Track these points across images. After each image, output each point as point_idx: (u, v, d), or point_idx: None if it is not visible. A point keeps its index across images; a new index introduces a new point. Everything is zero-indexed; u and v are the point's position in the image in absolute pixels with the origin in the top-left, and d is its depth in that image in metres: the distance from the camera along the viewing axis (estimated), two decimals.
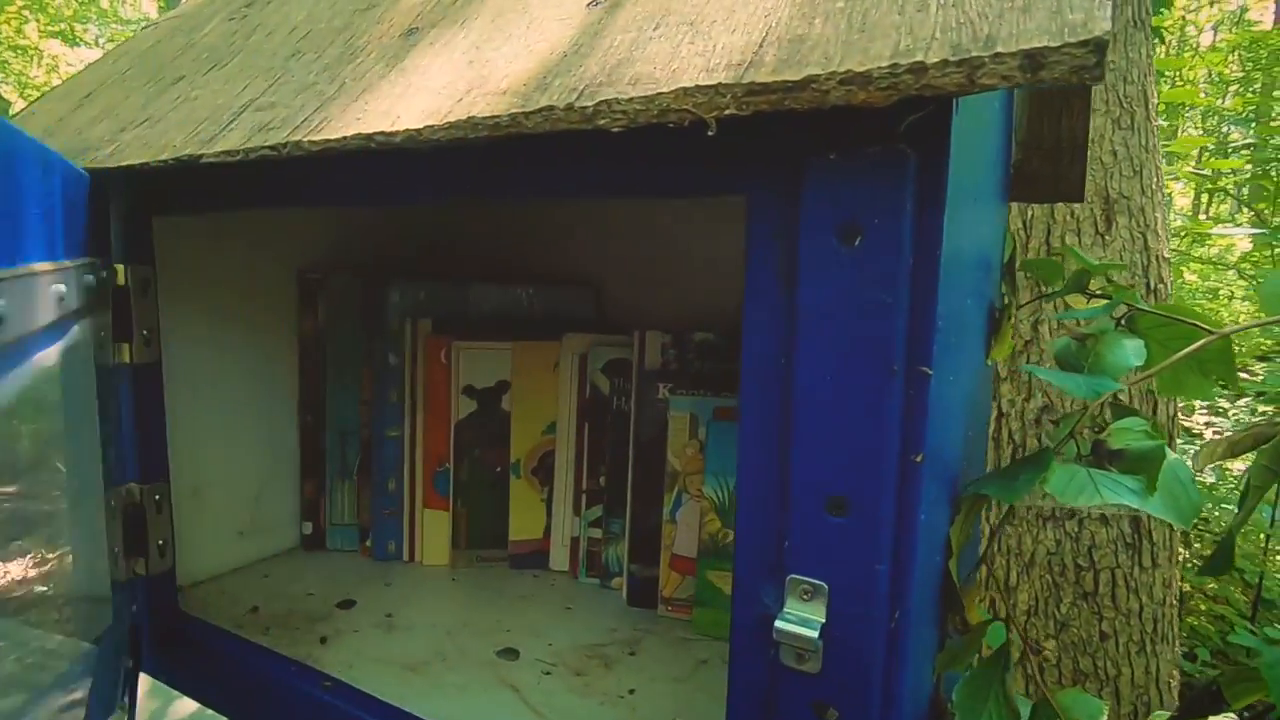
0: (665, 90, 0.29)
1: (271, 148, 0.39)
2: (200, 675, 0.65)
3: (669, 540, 0.75)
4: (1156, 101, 1.29)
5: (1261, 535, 2.18)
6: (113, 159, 0.48)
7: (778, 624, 0.32)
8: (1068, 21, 0.23)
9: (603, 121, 0.31)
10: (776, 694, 0.34)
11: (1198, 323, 0.48)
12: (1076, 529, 1.17)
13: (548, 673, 0.64)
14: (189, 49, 0.61)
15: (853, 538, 0.31)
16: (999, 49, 0.24)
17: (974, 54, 0.24)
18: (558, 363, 0.85)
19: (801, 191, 0.31)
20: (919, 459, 0.31)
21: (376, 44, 0.45)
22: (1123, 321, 0.53)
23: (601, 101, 0.30)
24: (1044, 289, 0.60)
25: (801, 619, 0.32)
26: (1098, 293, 0.58)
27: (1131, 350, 0.49)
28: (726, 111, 0.28)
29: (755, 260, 0.34)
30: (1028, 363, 1.21)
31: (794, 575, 0.33)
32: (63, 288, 0.51)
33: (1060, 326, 1.21)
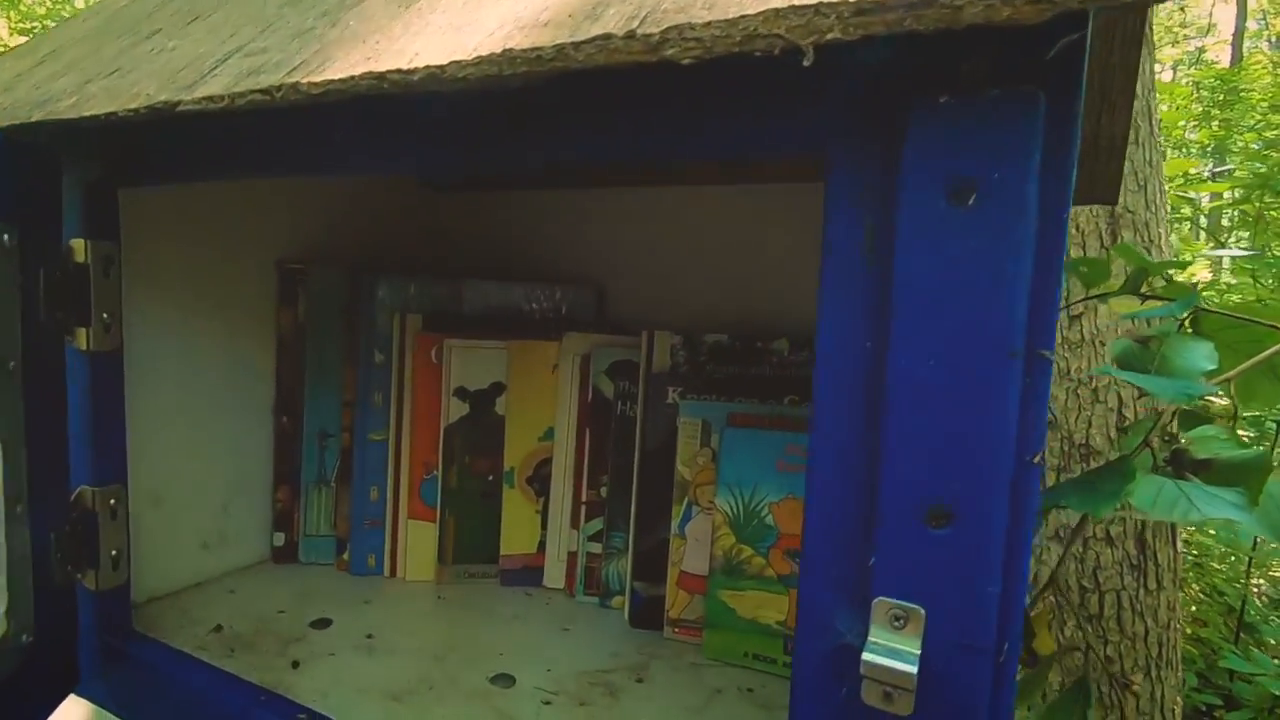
0: (751, 12, 0.24)
1: (263, 91, 0.34)
2: (154, 703, 0.58)
3: (677, 556, 0.70)
4: (1159, 119, 1.28)
5: (1243, 558, 2.18)
6: (73, 110, 0.42)
7: (866, 656, 0.27)
8: None
9: (671, 51, 0.26)
10: None
11: (1277, 324, 0.44)
12: (1081, 550, 1.14)
13: (548, 702, 0.58)
14: (168, 3, 0.55)
15: (958, 553, 0.26)
16: None
17: None
18: (557, 364, 0.79)
19: (904, 143, 0.26)
20: (1037, 459, 0.26)
21: None
22: (1185, 324, 0.50)
23: (671, 28, 0.25)
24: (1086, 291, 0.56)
25: (892, 650, 0.27)
26: (1149, 294, 0.54)
27: (1203, 353, 0.45)
28: (829, 36, 0.23)
29: (835, 229, 0.29)
30: None
31: (882, 598, 0.28)
32: None
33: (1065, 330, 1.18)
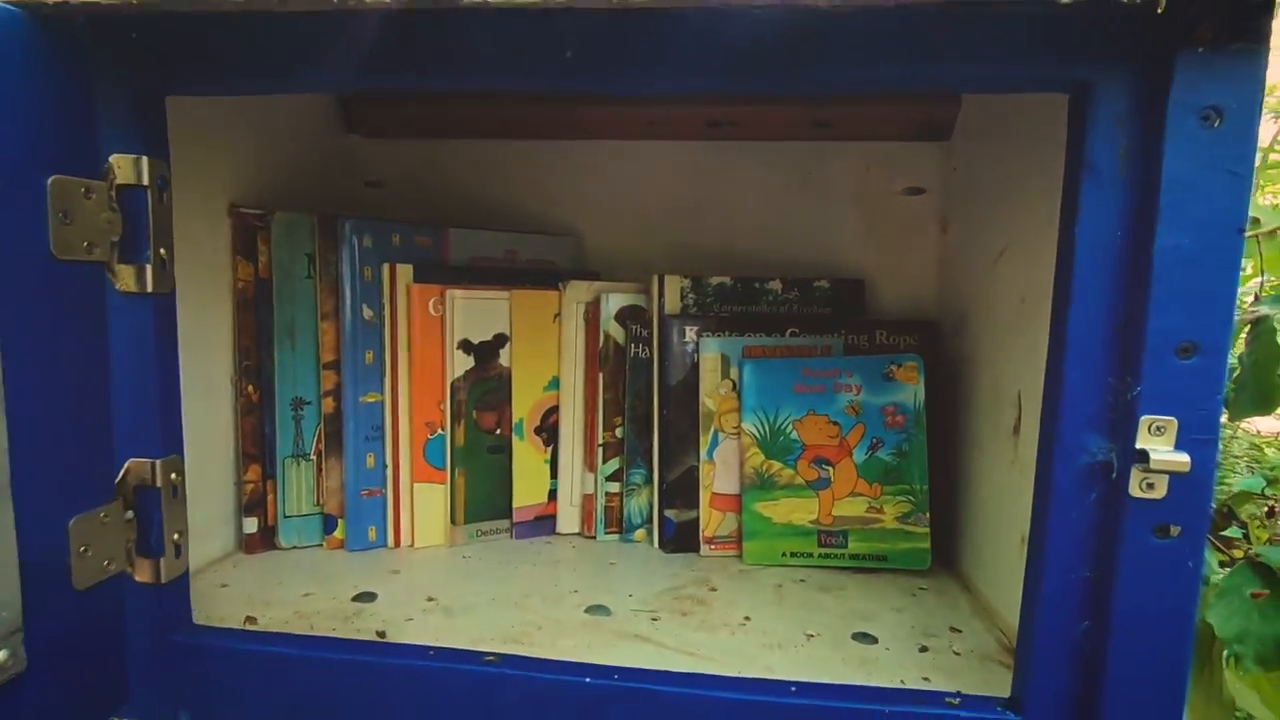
0: None
1: None
2: (275, 702, 0.49)
3: (708, 480, 0.76)
4: None
5: None
6: None
7: (1155, 456, 0.37)
8: None
9: None
10: (1115, 528, 0.39)
11: None
12: None
13: (656, 619, 0.61)
14: None
15: (1199, 376, 0.37)
16: None
17: None
18: (559, 312, 0.79)
19: (1171, 82, 0.36)
20: (1245, 306, 0.38)
21: None
22: None
23: None
24: None
25: (1156, 449, 0.37)
26: None
27: None
28: None
29: (1094, 149, 0.38)
30: None
31: (1146, 415, 0.38)
32: None
33: None
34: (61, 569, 0.41)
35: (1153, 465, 0.37)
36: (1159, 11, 0.33)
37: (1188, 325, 0.37)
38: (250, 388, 0.71)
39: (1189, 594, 0.39)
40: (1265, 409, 0.55)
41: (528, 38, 0.40)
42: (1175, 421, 0.38)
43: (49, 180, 0.38)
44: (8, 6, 0.35)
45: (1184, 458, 0.37)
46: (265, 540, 0.72)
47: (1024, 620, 0.43)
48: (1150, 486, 0.38)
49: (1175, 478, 0.38)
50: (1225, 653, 0.51)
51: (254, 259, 0.71)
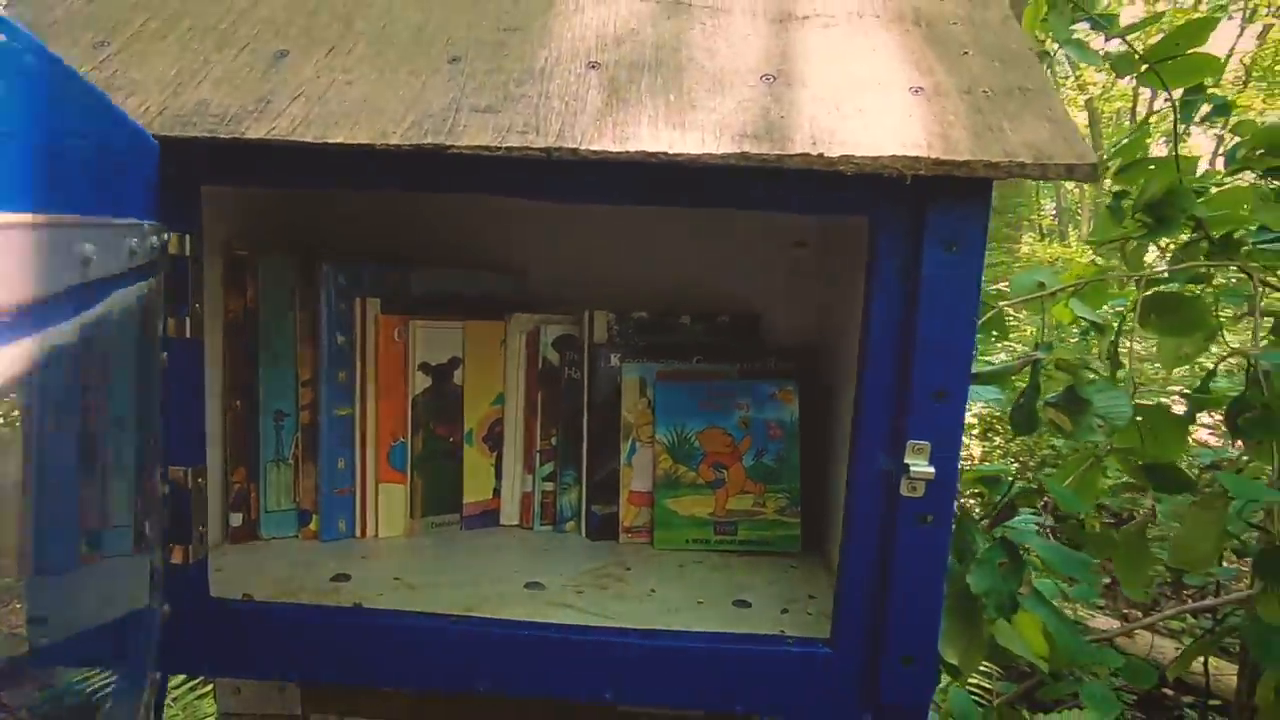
0: (885, 155, 0.50)
1: (542, 150, 0.49)
2: (279, 655, 0.63)
3: (626, 480, 0.92)
4: None
5: None
6: (306, 134, 0.50)
7: (914, 468, 0.55)
8: (1080, 151, 0.51)
9: (842, 167, 0.50)
10: (893, 517, 0.57)
11: None
12: None
13: (580, 591, 0.77)
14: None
15: (946, 413, 0.56)
16: (1057, 160, 0.50)
17: (1043, 161, 0.50)
18: (505, 339, 0.94)
19: (924, 220, 0.54)
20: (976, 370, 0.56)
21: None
22: None
23: (844, 155, 0.50)
24: None
25: (918, 464, 0.56)
26: None
27: None
28: (920, 172, 0.50)
29: (881, 257, 0.56)
30: None
31: (912, 440, 0.56)
32: (134, 242, 0.49)
33: None
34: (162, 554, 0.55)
35: (913, 475, 0.55)
36: (907, 184, 0.51)
37: (939, 379, 0.56)
38: (238, 402, 0.83)
39: (940, 562, 0.57)
40: (1030, 430, 0.74)
41: (502, 167, 0.55)
42: (929, 445, 0.56)
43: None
44: (154, 141, 0.48)
45: (932, 470, 0.55)
46: (249, 532, 0.85)
47: (838, 582, 0.61)
48: (914, 489, 0.56)
49: (929, 483, 0.56)
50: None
51: (242, 292, 0.83)
